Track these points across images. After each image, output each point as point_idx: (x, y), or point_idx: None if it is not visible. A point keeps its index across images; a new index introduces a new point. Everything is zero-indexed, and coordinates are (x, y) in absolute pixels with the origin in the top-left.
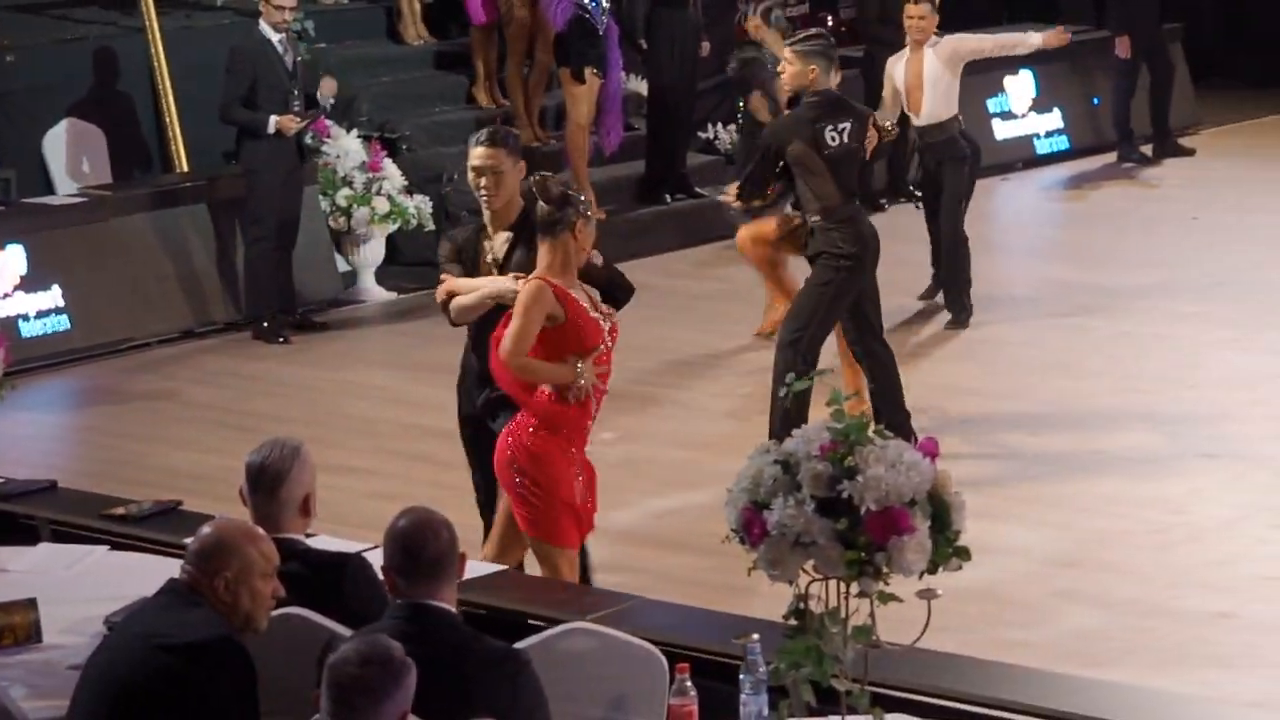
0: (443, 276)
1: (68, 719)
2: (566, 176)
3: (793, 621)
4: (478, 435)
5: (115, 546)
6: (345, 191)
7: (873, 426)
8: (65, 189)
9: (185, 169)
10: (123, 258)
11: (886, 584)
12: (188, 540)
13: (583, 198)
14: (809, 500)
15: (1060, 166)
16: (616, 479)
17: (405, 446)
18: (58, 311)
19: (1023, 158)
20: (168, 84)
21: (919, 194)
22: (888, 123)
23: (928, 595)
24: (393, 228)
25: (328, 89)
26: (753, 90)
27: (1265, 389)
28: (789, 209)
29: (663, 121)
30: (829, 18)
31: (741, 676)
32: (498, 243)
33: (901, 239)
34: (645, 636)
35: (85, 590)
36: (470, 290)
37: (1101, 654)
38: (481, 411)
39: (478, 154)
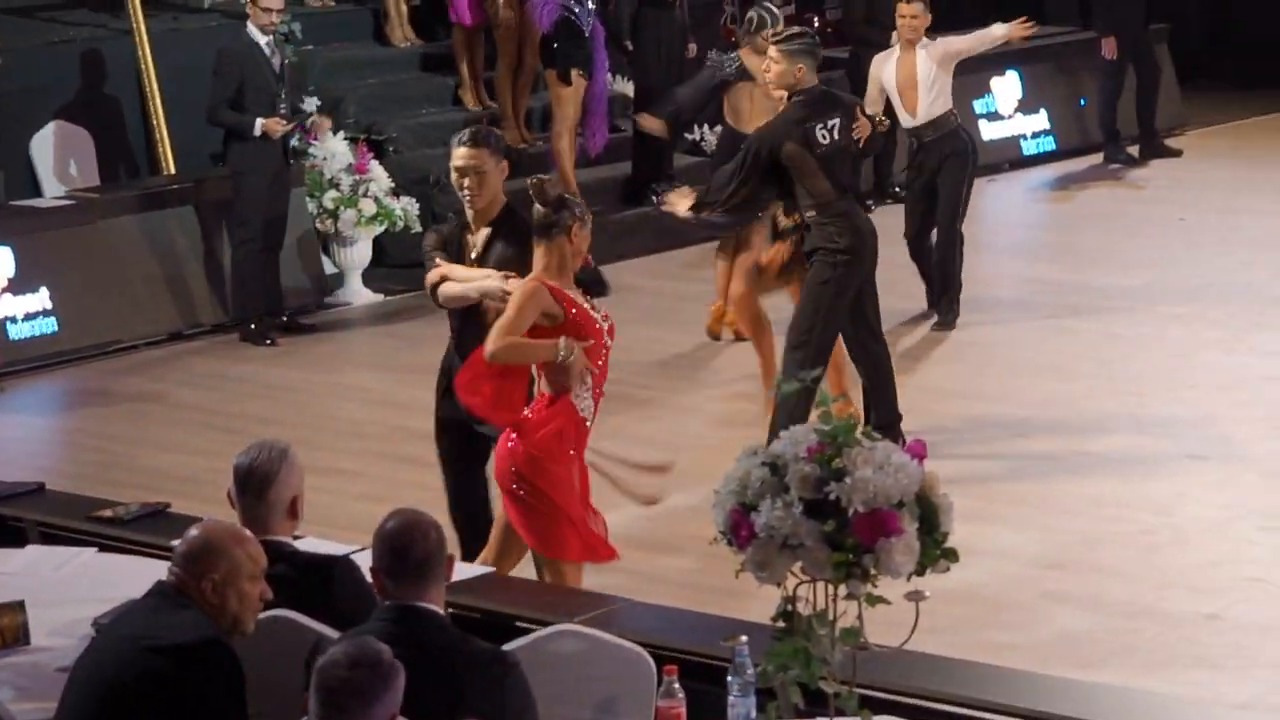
0: (437, 260)
1: None
2: (553, 178)
3: (781, 624)
4: (455, 439)
5: (103, 548)
6: (332, 193)
7: (861, 428)
8: (53, 191)
9: (172, 171)
10: (110, 260)
11: (874, 586)
12: (175, 542)
13: (579, 201)
14: (797, 502)
15: (1047, 168)
16: (604, 480)
17: (393, 448)
18: (45, 314)
19: (1009, 159)
20: (155, 86)
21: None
22: (877, 115)
23: (916, 597)
24: (379, 230)
25: (322, 125)
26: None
27: (1253, 390)
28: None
29: None
30: (815, 18)
31: (729, 679)
32: (479, 239)
33: (889, 241)
34: (633, 638)
35: (73, 592)
36: (464, 280)
37: (1090, 656)
38: (465, 414)
39: (460, 154)
